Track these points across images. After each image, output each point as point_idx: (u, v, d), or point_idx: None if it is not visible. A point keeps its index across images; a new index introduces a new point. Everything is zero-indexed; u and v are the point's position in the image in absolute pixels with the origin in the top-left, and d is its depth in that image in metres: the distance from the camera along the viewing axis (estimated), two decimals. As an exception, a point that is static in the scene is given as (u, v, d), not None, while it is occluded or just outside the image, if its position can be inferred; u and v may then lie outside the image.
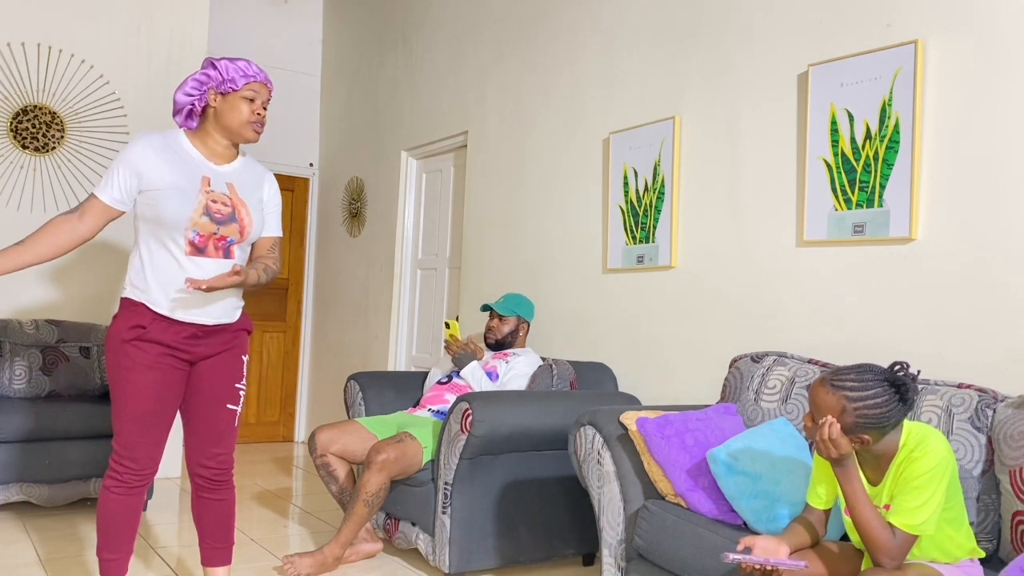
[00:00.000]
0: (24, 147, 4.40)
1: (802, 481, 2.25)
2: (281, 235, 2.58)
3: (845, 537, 2.17)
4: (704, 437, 2.48)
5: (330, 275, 6.14)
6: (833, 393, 1.77)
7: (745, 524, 2.30)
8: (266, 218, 2.49)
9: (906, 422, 1.85)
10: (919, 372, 1.79)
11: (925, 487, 1.73)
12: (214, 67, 2.33)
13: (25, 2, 4.40)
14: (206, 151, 2.38)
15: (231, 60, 2.34)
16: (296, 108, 6.28)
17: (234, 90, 2.32)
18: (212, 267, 2.33)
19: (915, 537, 1.75)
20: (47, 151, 4.45)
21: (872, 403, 1.74)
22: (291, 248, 6.32)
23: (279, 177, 6.19)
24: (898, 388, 1.75)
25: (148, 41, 4.70)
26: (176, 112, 2.39)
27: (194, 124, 2.41)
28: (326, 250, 6.22)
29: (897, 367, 1.77)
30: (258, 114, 2.36)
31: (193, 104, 2.36)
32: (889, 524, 1.75)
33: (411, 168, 5.36)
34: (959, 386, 2.26)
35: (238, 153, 2.45)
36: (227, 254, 2.36)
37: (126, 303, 2.31)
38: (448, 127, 4.91)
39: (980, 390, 2.21)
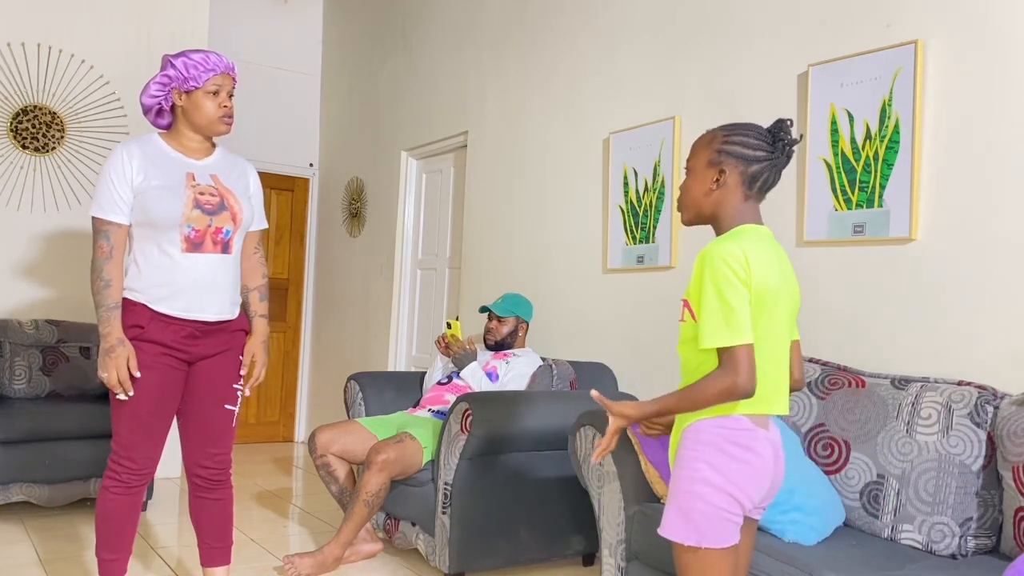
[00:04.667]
0: (24, 147, 4.40)
1: (793, 470, 2.25)
2: (267, 227, 2.60)
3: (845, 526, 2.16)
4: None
5: (330, 275, 6.14)
6: (708, 130, 1.78)
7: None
8: (254, 210, 2.50)
9: (757, 230, 1.70)
10: (802, 137, 1.80)
11: (705, 297, 1.60)
12: (172, 66, 2.32)
13: (25, 2, 4.40)
14: (183, 149, 2.38)
15: (189, 55, 2.31)
16: (296, 108, 6.28)
17: (196, 87, 2.31)
18: (210, 263, 2.33)
19: (735, 349, 1.56)
20: (47, 151, 4.45)
21: (741, 137, 1.71)
22: (291, 248, 6.32)
23: (279, 177, 6.19)
24: (774, 133, 1.72)
25: (148, 41, 4.69)
26: (145, 113, 2.41)
27: (165, 122, 2.43)
28: (326, 250, 6.22)
29: (779, 120, 1.74)
30: (224, 107, 2.35)
31: (160, 104, 2.38)
32: (706, 376, 1.61)
33: (411, 168, 5.36)
34: (959, 383, 2.26)
35: (214, 146, 2.46)
36: (225, 248, 2.36)
37: (125, 303, 2.31)
38: (448, 127, 4.91)
39: (980, 387, 2.22)
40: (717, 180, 1.72)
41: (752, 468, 1.62)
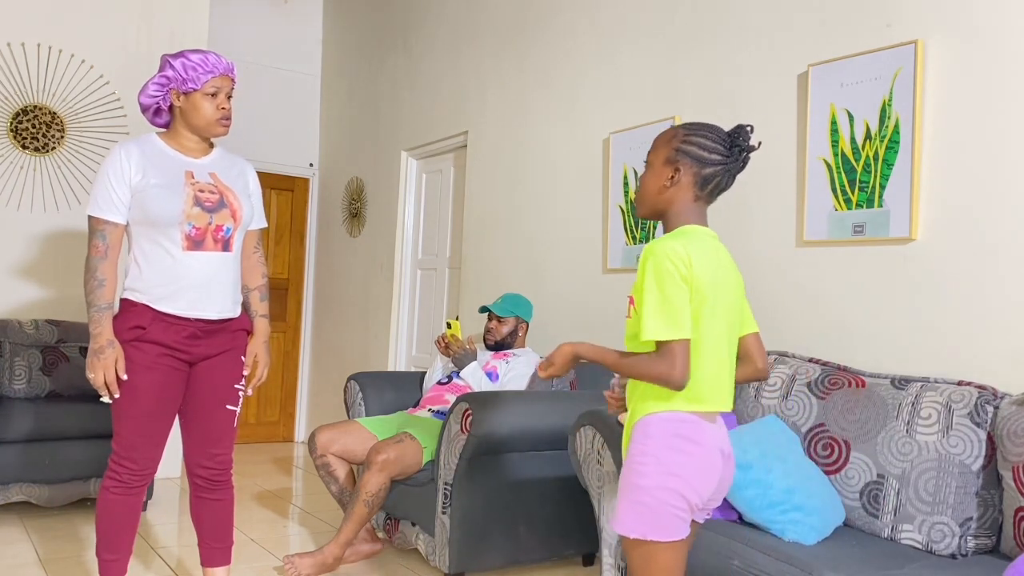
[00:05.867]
0: (24, 147, 4.40)
1: (793, 470, 2.25)
2: (266, 226, 2.60)
3: (839, 517, 2.16)
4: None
5: (330, 275, 6.14)
6: (671, 127, 1.80)
7: (740, 518, 2.30)
8: (254, 208, 2.50)
9: (700, 231, 1.72)
10: (760, 144, 1.84)
11: (647, 291, 1.63)
12: (171, 67, 2.31)
13: (25, 2, 4.40)
14: (181, 148, 2.39)
15: (188, 56, 2.31)
16: (296, 108, 6.28)
17: (195, 89, 2.31)
18: (211, 261, 2.33)
19: (672, 343, 1.59)
20: (47, 151, 4.45)
21: (699, 139, 1.72)
22: (291, 248, 6.32)
23: (279, 177, 6.20)
24: (732, 138, 1.73)
25: (148, 41, 4.69)
26: (143, 111, 2.42)
27: (163, 121, 2.43)
28: (326, 250, 6.22)
29: (739, 126, 1.75)
30: (222, 108, 2.35)
31: (158, 103, 2.38)
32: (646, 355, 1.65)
33: (411, 168, 5.36)
34: (959, 383, 2.27)
35: (212, 146, 2.47)
36: (226, 247, 2.36)
37: (125, 304, 2.31)
38: (448, 127, 4.91)
39: (980, 387, 2.22)
40: (672, 178, 1.75)
41: (698, 461, 1.65)
